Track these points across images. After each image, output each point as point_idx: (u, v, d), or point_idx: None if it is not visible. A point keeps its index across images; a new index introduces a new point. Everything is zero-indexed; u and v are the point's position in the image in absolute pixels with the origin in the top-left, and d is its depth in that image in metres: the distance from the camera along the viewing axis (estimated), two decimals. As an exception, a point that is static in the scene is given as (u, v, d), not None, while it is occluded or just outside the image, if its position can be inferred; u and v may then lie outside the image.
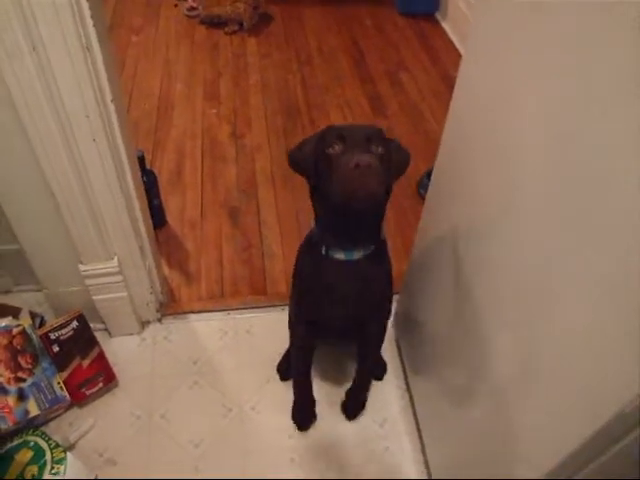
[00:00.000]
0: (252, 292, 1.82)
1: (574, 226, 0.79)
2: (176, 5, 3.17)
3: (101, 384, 1.52)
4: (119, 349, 1.63)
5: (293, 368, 1.55)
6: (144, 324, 1.70)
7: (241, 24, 3.01)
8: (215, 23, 3.03)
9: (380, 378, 1.62)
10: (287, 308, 1.73)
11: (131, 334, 1.67)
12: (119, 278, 1.47)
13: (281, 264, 1.91)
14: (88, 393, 1.51)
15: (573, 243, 0.79)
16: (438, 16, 3.29)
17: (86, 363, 1.54)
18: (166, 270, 1.83)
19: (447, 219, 1.29)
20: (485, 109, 1.07)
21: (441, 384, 1.37)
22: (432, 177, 1.38)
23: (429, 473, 1.44)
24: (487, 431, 1.13)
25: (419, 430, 1.51)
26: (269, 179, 2.21)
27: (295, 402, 1.54)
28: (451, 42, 3.11)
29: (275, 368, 1.63)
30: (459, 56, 2.92)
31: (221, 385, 1.59)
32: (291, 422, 1.53)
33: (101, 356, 1.55)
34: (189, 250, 1.92)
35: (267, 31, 3.07)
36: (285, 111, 2.54)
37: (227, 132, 2.40)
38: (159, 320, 1.72)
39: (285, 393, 1.59)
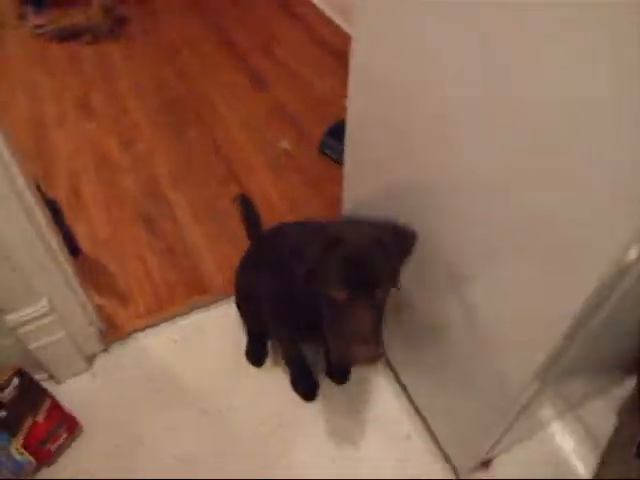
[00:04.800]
0: (191, 294, 1.70)
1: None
2: (17, 26, 2.85)
3: (65, 434, 1.37)
4: (72, 393, 1.46)
5: (287, 356, 1.48)
6: (90, 359, 1.54)
7: (97, 32, 2.77)
8: (68, 35, 2.76)
9: (342, 382, 1.52)
10: (231, 298, 1.66)
11: (80, 373, 1.51)
12: (52, 318, 1.31)
13: (210, 258, 1.80)
14: (53, 449, 1.35)
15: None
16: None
17: (41, 419, 1.36)
18: (96, 298, 1.67)
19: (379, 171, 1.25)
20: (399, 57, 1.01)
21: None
22: (347, 138, 1.33)
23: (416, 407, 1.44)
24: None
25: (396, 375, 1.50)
26: (173, 178, 2.06)
27: (296, 378, 1.49)
28: (318, 8, 3.03)
29: (244, 358, 1.55)
30: (330, 21, 2.89)
31: (189, 393, 1.49)
32: (276, 408, 1.46)
33: (55, 406, 1.38)
34: (112, 271, 1.76)
35: (127, 32, 2.85)
36: (168, 108, 2.38)
37: (115, 142, 2.21)
38: (105, 350, 1.56)
39: (256, 377, 1.52)
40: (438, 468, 1.36)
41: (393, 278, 0.98)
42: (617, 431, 1.41)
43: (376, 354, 0.92)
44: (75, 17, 2.74)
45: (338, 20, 2.89)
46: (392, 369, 1.52)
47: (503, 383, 1.08)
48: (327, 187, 1.99)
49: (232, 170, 2.10)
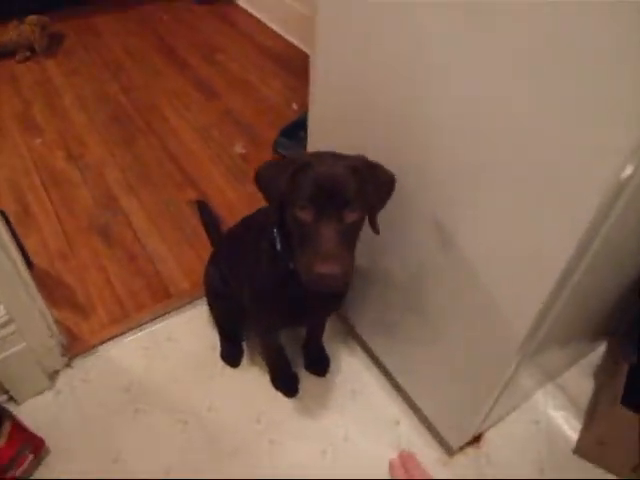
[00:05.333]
0: (157, 300, 1.62)
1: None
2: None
3: (31, 456, 1.25)
4: (34, 413, 1.35)
5: (267, 351, 1.41)
6: (53, 376, 1.43)
7: (32, 49, 2.66)
8: (2, 53, 2.64)
9: (323, 374, 1.48)
10: (199, 301, 1.59)
11: (42, 392, 1.40)
12: (11, 329, 1.21)
13: (173, 263, 1.72)
14: (18, 474, 1.23)
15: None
16: (233, -3, 3.20)
17: (2, 443, 1.25)
18: (54, 312, 1.56)
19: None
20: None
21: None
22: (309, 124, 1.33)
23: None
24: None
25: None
26: (126, 187, 1.98)
27: (277, 374, 1.44)
28: (255, 18, 3.04)
29: (220, 359, 1.49)
30: (268, 29, 2.92)
31: (165, 401, 1.40)
32: (258, 407, 1.39)
33: (17, 427, 1.26)
34: (70, 283, 1.65)
35: (64, 49, 2.75)
36: (116, 120, 2.30)
37: (62, 157, 2.11)
38: (68, 365, 1.46)
39: (233, 378, 1.45)
40: (431, 450, 1.33)
41: (365, 206, 0.93)
42: (597, 392, 1.43)
43: (342, 272, 0.86)
44: (7, 34, 2.62)
45: (277, 28, 2.91)
46: (372, 355, 1.48)
47: (489, 355, 1.07)
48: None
49: (188, 175, 2.05)
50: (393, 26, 0.95)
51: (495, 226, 0.92)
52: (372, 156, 0.98)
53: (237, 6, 3.16)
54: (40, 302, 1.33)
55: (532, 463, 1.33)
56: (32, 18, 2.64)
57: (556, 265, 0.82)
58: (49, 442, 1.30)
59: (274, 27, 2.92)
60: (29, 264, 1.63)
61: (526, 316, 0.93)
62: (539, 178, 0.79)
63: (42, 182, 1.99)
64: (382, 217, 0.99)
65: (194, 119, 2.32)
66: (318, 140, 1.34)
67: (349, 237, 0.91)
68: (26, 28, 2.62)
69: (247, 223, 1.30)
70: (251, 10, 3.07)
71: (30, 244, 1.72)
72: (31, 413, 1.35)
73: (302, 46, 2.71)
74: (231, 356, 1.48)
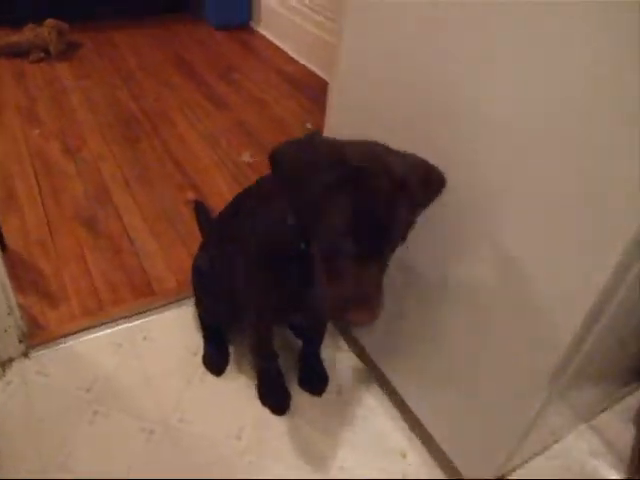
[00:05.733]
0: (137, 296, 1.43)
1: None
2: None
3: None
4: (-25, 404, 1.15)
5: (260, 356, 1.22)
6: (5, 365, 1.23)
7: (47, 51, 2.59)
8: (15, 53, 2.57)
9: (319, 392, 1.27)
10: (185, 302, 1.41)
11: (-11, 381, 1.20)
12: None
13: (162, 261, 1.55)
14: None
15: None
16: (252, 24, 3.17)
17: None
18: (19, 298, 1.37)
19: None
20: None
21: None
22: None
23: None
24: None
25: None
26: (122, 184, 1.83)
27: (266, 385, 1.24)
28: (272, 43, 3.00)
29: (201, 365, 1.28)
30: (285, 54, 2.89)
31: (132, 406, 1.19)
32: (234, 421, 1.18)
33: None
34: (44, 270, 1.47)
35: (78, 56, 2.69)
36: (122, 122, 2.19)
37: (58, 149, 1.98)
38: (25, 355, 1.26)
39: (214, 388, 1.24)
40: None
41: (407, 230, 0.78)
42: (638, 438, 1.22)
43: (375, 318, 0.73)
44: (24, 35, 2.56)
45: (295, 54, 2.87)
46: (379, 375, 1.28)
47: (517, 386, 0.93)
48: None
49: (189, 177, 1.90)
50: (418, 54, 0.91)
51: (528, 243, 0.83)
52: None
53: (256, 32, 3.13)
54: (1, 271, 1.14)
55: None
56: (51, 21, 2.59)
57: (588, 297, 0.75)
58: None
59: (293, 53, 2.88)
60: (2, 246, 1.47)
61: (557, 347, 0.83)
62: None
63: (33, 169, 1.85)
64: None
65: (203, 127, 2.20)
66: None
67: (384, 268, 0.77)
68: (43, 30, 2.57)
69: (246, 193, 1.13)
70: (270, 37, 3.04)
71: (8, 228, 1.56)
72: (-29, 404, 1.14)
73: (320, 72, 2.64)
74: (215, 362, 1.28)
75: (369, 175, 0.72)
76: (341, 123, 1.19)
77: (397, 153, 0.79)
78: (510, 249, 0.86)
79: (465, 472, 1.08)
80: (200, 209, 1.51)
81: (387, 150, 0.79)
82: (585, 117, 0.70)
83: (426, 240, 0.97)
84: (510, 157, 0.82)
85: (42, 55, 2.59)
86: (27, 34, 2.57)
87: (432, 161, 0.82)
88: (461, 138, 0.89)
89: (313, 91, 2.49)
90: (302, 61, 2.80)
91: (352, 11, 1.05)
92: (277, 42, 2.99)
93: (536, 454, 1.18)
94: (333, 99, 1.20)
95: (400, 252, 0.79)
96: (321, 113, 1.25)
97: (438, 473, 1.13)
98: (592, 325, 0.79)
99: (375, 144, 0.79)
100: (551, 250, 0.80)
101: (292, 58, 2.86)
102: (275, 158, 0.79)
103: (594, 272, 0.74)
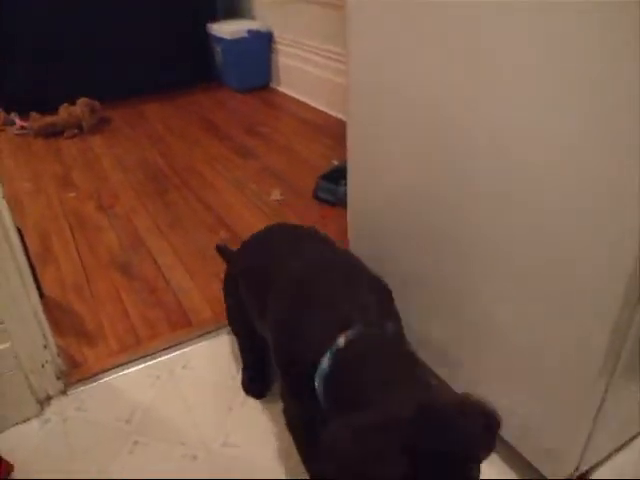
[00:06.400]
0: (174, 329, 1.40)
1: None
2: (2, 130, 2.80)
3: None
4: (15, 443, 1.10)
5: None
6: (43, 402, 1.19)
7: (80, 127, 2.73)
8: (51, 133, 2.71)
9: None
10: (222, 330, 1.37)
11: (27, 419, 1.15)
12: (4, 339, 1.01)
13: (198, 295, 1.52)
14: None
15: None
16: (273, 85, 3.29)
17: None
18: (57, 340, 1.35)
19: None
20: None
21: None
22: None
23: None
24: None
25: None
26: (155, 230, 1.85)
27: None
28: (292, 97, 3.10)
29: (241, 388, 1.23)
30: (305, 104, 2.98)
31: (172, 434, 1.12)
32: (281, 443, 1.10)
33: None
34: (80, 313, 1.46)
35: (109, 129, 2.81)
36: (152, 178, 2.24)
37: (93, 207, 2.03)
38: (63, 392, 1.22)
39: (258, 412, 1.17)
40: None
41: None
42: None
43: None
44: (59, 115, 2.71)
45: (316, 104, 2.94)
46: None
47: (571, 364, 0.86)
48: (327, 226, 1.79)
49: (221, 219, 1.91)
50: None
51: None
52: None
53: (277, 91, 3.24)
54: (42, 320, 1.14)
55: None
56: (83, 100, 2.73)
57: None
58: (24, 474, 1.03)
59: (313, 103, 2.96)
60: (40, 294, 1.47)
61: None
62: None
63: (69, 226, 1.89)
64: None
65: (231, 176, 2.24)
66: (359, 183, 1.31)
67: None
68: (76, 109, 2.71)
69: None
70: (291, 93, 3.14)
71: (44, 277, 1.57)
72: (10, 443, 1.10)
73: (341, 115, 2.69)
74: (253, 385, 1.22)
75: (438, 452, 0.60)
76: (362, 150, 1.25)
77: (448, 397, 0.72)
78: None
79: (538, 464, 0.97)
80: (223, 250, 1.46)
81: (440, 399, 0.69)
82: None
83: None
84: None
85: (76, 131, 2.72)
86: (62, 114, 2.72)
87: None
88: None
89: (335, 132, 2.52)
90: (322, 108, 2.88)
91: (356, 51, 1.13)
92: (297, 95, 3.09)
93: (622, 447, 1.05)
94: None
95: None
96: (345, 149, 1.30)
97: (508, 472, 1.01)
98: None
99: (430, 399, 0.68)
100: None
101: (313, 107, 2.94)
102: (327, 445, 0.65)
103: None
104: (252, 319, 1.06)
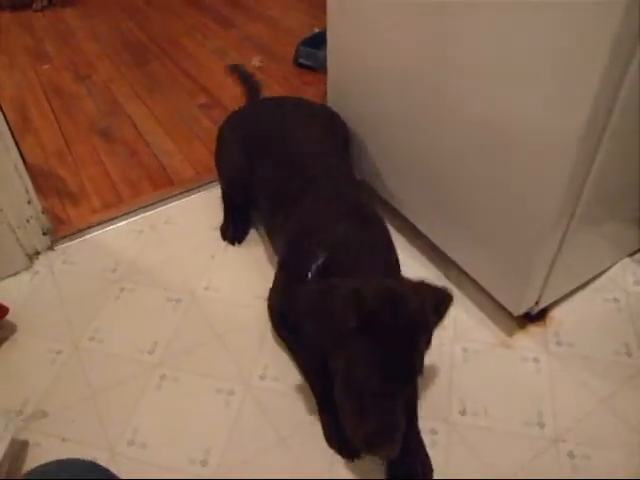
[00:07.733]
0: (156, 188, 1.41)
1: None
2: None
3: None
4: (7, 293, 1.14)
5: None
6: (32, 257, 1.22)
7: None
8: (18, 3, 2.54)
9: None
10: (205, 188, 1.38)
11: (17, 272, 1.19)
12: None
13: (179, 156, 1.52)
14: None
15: None
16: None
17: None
18: (42, 202, 1.35)
19: None
20: None
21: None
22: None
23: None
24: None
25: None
26: (134, 97, 1.81)
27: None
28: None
29: (220, 236, 1.26)
30: None
31: (157, 280, 1.17)
32: (261, 286, 1.14)
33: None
34: (63, 176, 1.46)
35: (80, 0, 2.64)
36: (129, 49, 2.15)
37: (69, 78, 1.96)
38: (50, 247, 1.25)
39: (239, 258, 1.21)
40: (488, 332, 1.06)
41: (423, 359, 0.78)
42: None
43: (396, 452, 0.75)
44: (26, -16, 2.53)
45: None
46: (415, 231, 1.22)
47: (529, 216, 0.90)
48: (307, 92, 1.74)
49: (200, 85, 1.87)
50: None
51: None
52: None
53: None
54: (25, 177, 1.14)
55: (614, 343, 1.03)
56: (51, -32, 2.55)
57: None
58: (17, 320, 1.08)
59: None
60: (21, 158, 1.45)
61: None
62: None
63: (46, 97, 1.84)
64: None
65: (212, 44, 2.15)
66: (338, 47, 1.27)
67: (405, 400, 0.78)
68: (44, -22, 2.53)
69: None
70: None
71: (24, 145, 1.54)
72: (1, 291, 1.14)
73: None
74: (234, 230, 1.25)
75: (387, 318, 0.74)
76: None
77: (408, 282, 0.83)
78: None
79: (505, 301, 1.03)
80: (239, 70, 1.63)
81: (400, 283, 0.85)
82: None
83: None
84: None
85: (45, 3, 2.56)
86: (28, -17, 2.54)
87: None
88: None
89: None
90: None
91: None
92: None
93: (579, 287, 1.11)
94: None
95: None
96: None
97: (480, 315, 1.08)
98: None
99: (389, 280, 0.85)
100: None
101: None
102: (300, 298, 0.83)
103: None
104: (252, 176, 1.13)
